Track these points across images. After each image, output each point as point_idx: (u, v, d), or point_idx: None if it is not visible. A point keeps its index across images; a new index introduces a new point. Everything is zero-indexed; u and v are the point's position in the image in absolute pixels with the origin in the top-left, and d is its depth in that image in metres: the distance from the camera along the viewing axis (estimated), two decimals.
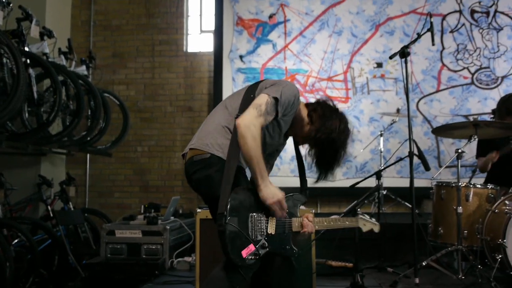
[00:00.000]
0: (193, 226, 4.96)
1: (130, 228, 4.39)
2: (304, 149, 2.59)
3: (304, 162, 2.64)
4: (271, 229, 2.29)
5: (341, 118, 2.46)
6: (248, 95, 2.39)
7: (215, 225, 2.26)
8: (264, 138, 2.37)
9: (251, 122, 2.22)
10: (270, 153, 2.61)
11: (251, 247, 2.18)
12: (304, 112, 2.49)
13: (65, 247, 5.03)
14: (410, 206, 5.47)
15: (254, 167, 2.21)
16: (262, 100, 2.29)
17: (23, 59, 4.53)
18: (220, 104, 2.54)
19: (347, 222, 2.67)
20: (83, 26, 7.28)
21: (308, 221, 2.43)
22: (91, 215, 6.14)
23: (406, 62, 3.60)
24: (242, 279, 2.24)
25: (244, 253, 2.16)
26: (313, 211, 3.62)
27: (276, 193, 2.25)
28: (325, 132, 2.39)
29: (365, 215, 2.83)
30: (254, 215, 2.25)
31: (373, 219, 2.85)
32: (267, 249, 2.25)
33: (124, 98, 6.78)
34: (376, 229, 2.84)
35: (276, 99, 2.31)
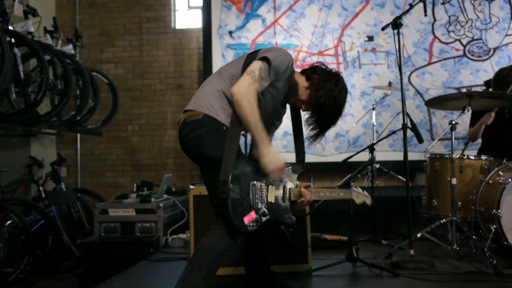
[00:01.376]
0: (186, 203, 4.96)
1: (123, 207, 4.37)
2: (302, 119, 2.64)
3: (304, 135, 2.67)
4: (271, 198, 2.34)
5: (338, 77, 2.52)
6: (247, 64, 2.40)
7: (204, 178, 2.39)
8: (263, 106, 2.40)
9: (245, 89, 2.25)
10: (271, 122, 2.65)
11: (253, 214, 2.24)
12: (301, 78, 2.54)
13: (59, 227, 5.03)
14: (403, 179, 5.54)
15: (254, 132, 2.26)
16: (256, 66, 2.32)
17: (8, 38, 4.45)
18: (215, 72, 2.56)
19: (341, 194, 2.71)
20: (68, 4, 7.15)
21: (304, 191, 2.48)
22: (84, 195, 6.14)
23: (398, 34, 3.56)
24: (232, 244, 2.29)
25: (246, 219, 2.22)
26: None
27: (277, 159, 2.29)
28: (327, 92, 2.44)
29: (358, 187, 2.86)
30: (255, 183, 2.31)
31: (366, 192, 2.89)
32: (268, 216, 2.31)
33: (113, 77, 6.72)
34: (369, 201, 2.88)
35: (269, 64, 2.34)
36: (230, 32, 6.65)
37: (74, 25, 7.00)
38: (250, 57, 2.44)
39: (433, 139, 6.26)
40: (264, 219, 2.30)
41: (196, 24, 7.00)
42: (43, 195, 5.31)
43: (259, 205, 2.31)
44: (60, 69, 5.20)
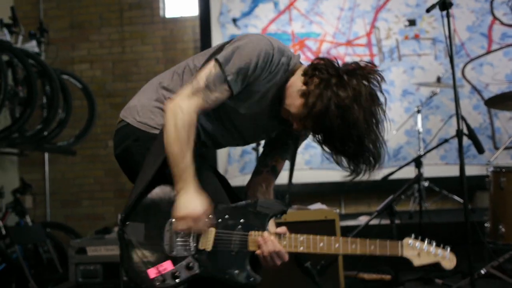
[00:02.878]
0: None
1: (105, 244, 4.39)
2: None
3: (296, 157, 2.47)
4: (205, 244, 2.09)
5: (361, 77, 2.04)
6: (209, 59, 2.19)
7: None
8: (230, 119, 2.23)
9: (178, 105, 2.07)
10: (283, 142, 2.45)
11: (166, 266, 2.04)
12: (300, 80, 2.13)
13: (24, 272, 5.03)
14: (459, 200, 5.51)
15: (172, 165, 2.06)
16: (205, 71, 2.11)
17: None
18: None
19: (372, 247, 2.15)
20: None
21: (266, 237, 2.11)
22: (55, 230, 6.15)
23: (448, 16, 3.57)
24: None
25: (152, 272, 2.03)
26: (337, 211, 3.63)
27: (195, 205, 2.04)
28: (325, 99, 2.00)
29: (426, 240, 2.21)
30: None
31: (441, 249, 2.20)
32: (197, 271, 2.06)
33: (88, 80, 6.76)
34: (447, 264, 2.19)
35: (221, 66, 2.08)
36: (234, 20, 6.70)
37: (38, 17, 7.06)
38: (219, 50, 2.18)
39: (496, 148, 6.22)
40: (186, 274, 2.05)
41: (191, 11, 7.05)
42: (3, 232, 5.32)
43: (181, 253, 2.07)
44: (22, 72, 5.25)
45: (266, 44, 2.10)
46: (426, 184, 5.45)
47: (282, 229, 2.17)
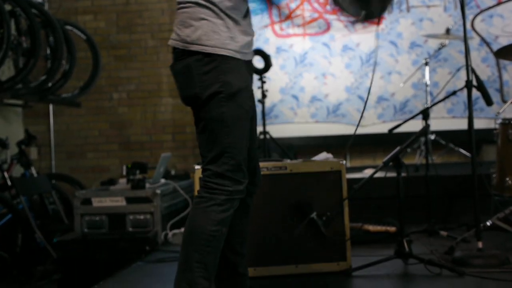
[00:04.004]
0: (189, 189, 4.98)
1: (110, 195, 4.40)
2: None
3: None
4: None
5: None
6: None
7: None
8: None
9: None
10: None
11: None
12: None
13: (30, 223, 5.07)
14: (466, 153, 5.49)
15: None
16: None
17: None
18: None
19: None
20: None
21: None
22: (60, 181, 6.18)
23: None
24: (224, 219, 2.32)
25: None
26: (344, 162, 3.60)
27: None
28: None
29: None
30: None
31: None
32: None
33: (92, 32, 6.70)
34: None
35: None
36: None
37: None
38: None
39: (504, 101, 6.19)
40: None
41: None
42: (9, 183, 5.34)
43: None
44: (25, 23, 5.20)
45: None
46: (432, 137, 5.43)
47: None
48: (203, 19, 2.29)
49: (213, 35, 2.27)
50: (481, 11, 6.36)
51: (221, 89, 2.26)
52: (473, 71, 3.63)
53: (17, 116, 6.90)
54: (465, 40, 3.46)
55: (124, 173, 4.92)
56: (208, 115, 2.31)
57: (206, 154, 2.35)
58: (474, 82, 3.69)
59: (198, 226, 2.30)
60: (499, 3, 6.34)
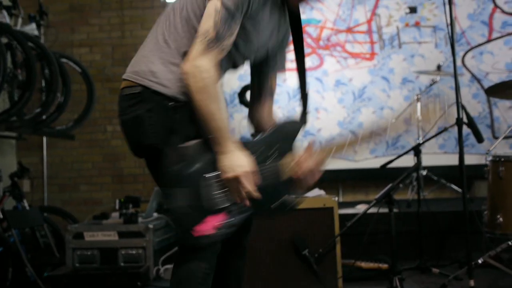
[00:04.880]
0: None
1: (103, 229, 4.38)
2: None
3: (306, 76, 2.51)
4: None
5: None
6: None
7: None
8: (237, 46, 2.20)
9: (195, 66, 2.03)
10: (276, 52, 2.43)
11: (219, 217, 2.06)
12: None
13: (21, 256, 5.03)
14: (458, 189, 5.51)
15: (210, 124, 2.05)
16: (208, 18, 2.06)
17: None
18: (165, 11, 2.30)
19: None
20: None
21: (306, 156, 2.24)
22: (52, 214, 6.14)
23: (450, 4, 3.56)
24: (207, 268, 2.16)
25: (209, 225, 2.06)
26: (336, 199, 3.61)
27: (242, 164, 2.06)
28: None
29: None
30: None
31: None
32: (249, 211, 2.13)
33: (87, 64, 6.74)
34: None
35: (223, 6, 2.05)
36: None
37: None
38: None
39: (495, 138, 6.23)
40: (243, 216, 2.12)
41: None
42: (1, 216, 5.31)
43: (224, 202, 2.10)
44: (21, 55, 5.22)
45: None
46: (424, 172, 5.46)
47: (310, 143, 2.30)
48: None
49: None
50: (471, 48, 6.44)
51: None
52: (464, 108, 3.67)
53: (11, 148, 6.89)
54: (456, 78, 3.50)
55: (117, 207, 4.91)
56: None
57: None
58: (465, 119, 3.72)
59: (185, 273, 2.18)
60: (489, 41, 6.42)
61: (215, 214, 2.06)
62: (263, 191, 2.12)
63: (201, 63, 2.02)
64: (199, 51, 2.04)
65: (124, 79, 2.26)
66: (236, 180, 2.05)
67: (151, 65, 2.18)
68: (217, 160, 2.07)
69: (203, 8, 2.11)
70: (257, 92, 2.48)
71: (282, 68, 2.50)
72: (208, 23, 2.05)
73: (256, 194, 2.08)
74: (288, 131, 2.31)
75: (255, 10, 2.14)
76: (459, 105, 3.54)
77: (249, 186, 2.07)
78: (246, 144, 2.16)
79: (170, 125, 2.12)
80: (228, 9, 2.04)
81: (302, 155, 2.24)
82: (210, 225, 2.04)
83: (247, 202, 2.08)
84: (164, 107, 2.13)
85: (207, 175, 2.06)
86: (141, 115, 2.15)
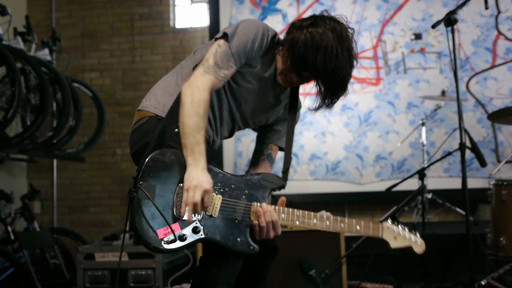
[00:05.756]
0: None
1: (113, 250, 4.44)
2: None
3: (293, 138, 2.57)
4: (211, 211, 2.18)
5: (330, 19, 2.31)
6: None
7: None
8: (243, 95, 2.39)
9: (193, 84, 2.20)
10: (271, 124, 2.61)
11: (174, 228, 2.08)
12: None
13: (32, 276, 5.08)
14: (462, 212, 5.54)
15: (186, 138, 2.13)
16: (210, 51, 2.28)
17: None
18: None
19: (357, 227, 2.36)
20: None
21: (266, 208, 2.24)
22: (62, 236, 6.20)
23: (453, 32, 3.63)
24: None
25: (161, 233, 2.07)
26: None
27: (201, 180, 2.10)
28: (301, 39, 2.26)
29: (400, 225, 2.48)
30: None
31: (413, 235, 2.47)
32: (202, 235, 2.13)
33: (98, 88, 6.85)
34: (418, 249, 2.47)
35: (227, 44, 2.26)
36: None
37: (51, 25, 7.16)
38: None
39: (499, 161, 6.25)
40: (193, 238, 2.11)
41: (201, 22, 7.14)
42: (12, 237, 5.38)
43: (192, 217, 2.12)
44: (35, 80, 5.31)
45: (262, 24, 2.34)
46: (429, 196, 5.48)
47: (282, 200, 2.35)
48: None
49: None
50: (476, 74, 6.49)
51: None
52: (467, 133, 3.73)
53: (22, 170, 6.97)
54: (458, 104, 3.57)
55: (127, 228, 4.97)
56: None
57: None
58: (468, 144, 3.78)
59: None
60: (492, 66, 6.48)
61: (175, 223, 2.11)
62: (220, 221, 2.19)
63: (196, 83, 2.20)
64: (196, 74, 2.24)
65: (138, 112, 2.42)
66: (196, 189, 2.08)
67: (157, 96, 2.38)
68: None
69: None
70: (255, 156, 2.64)
71: (279, 142, 2.62)
72: (209, 54, 2.27)
73: (202, 209, 2.12)
74: (264, 183, 2.34)
75: (251, 59, 2.32)
76: (462, 130, 3.61)
77: (206, 202, 2.11)
78: (216, 174, 2.24)
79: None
80: (231, 47, 2.25)
81: (267, 207, 2.26)
82: (167, 232, 2.09)
83: (191, 216, 2.10)
84: (171, 130, 2.24)
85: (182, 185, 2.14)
86: (149, 141, 2.24)
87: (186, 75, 2.35)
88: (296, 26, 2.31)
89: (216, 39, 2.31)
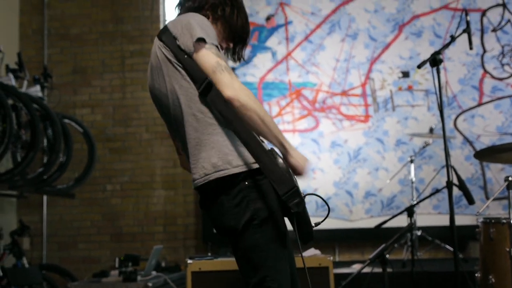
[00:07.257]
0: (180, 281, 5.00)
1: (102, 287, 4.42)
2: None
3: None
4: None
5: None
6: (181, 58, 2.35)
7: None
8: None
9: (235, 89, 2.24)
10: None
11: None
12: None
13: None
14: (451, 249, 5.56)
15: (274, 131, 2.29)
16: (211, 57, 2.29)
17: None
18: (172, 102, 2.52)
19: None
20: (35, 36, 7.37)
21: None
22: (51, 272, 6.15)
23: (438, 72, 3.71)
24: None
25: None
26: (331, 258, 3.69)
27: (304, 157, 2.38)
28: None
29: None
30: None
31: None
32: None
33: (89, 124, 6.85)
34: None
35: (211, 43, 2.32)
36: (233, 69, 6.85)
37: (42, 62, 7.19)
38: (169, 54, 2.40)
39: (487, 198, 6.30)
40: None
41: None
42: (1, 273, 5.35)
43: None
44: (26, 116, 5.33)
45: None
46: (419, 233, 5.50)
47: None
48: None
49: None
50: (463, 112, 6.57)
51: (254, 216, 2.26)
52: (454, 170, 3.78)
53: (11, 206, 6.94)
54: (445, 142, 3.64)
55: (117, 265, 4.95)
56: (244, 245, 2.30)
57: (248, 280, 2.31)
58: (456, 181, 3.83)
59: None
60: (479, 104, 6.57)
61: None
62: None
63: (237, 85, 2.24)
64: (227, 77, 2.25)
65: (197, 186, 2.37)
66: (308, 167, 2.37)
67: (211, 159, 2.30)
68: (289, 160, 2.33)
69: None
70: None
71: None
72: (211, 59, 2.28)
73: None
74: None
75: None
76: (449, 168, 3.66)
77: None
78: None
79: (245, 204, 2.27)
80: (214, 44, 2.32)
81: None
82: None
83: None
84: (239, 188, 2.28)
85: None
86: (222, 201, 2.28)
87: (193, 98, 2.35)
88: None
89: (199, 41, 2.30)
